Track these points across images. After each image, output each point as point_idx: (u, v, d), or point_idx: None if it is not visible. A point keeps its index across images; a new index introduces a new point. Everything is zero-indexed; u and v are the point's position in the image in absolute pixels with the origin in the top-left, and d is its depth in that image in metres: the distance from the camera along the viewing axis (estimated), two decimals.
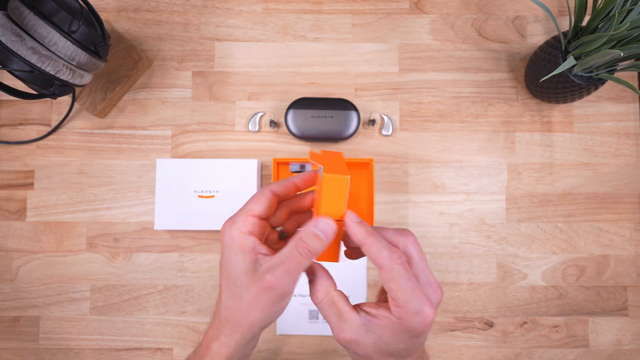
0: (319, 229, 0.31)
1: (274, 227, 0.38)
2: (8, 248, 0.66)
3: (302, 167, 0.64)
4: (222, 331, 0.34)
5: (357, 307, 0.33)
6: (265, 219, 0.35)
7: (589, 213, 0.67)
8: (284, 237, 0.39)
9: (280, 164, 0.66)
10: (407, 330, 0.31)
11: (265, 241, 0.37)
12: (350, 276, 0.66)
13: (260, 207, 0.34)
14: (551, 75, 0.57)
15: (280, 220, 0.37)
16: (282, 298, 0.32)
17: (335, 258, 0.34)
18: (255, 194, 0.34)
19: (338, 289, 0.34)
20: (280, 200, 0.36)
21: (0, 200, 0.67)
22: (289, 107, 0.65)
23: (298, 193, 0.37)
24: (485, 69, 0.69)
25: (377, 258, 0.31)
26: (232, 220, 0.34)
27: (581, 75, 0.59)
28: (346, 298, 0.33)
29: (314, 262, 0.34)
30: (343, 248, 0.37)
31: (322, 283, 0.33)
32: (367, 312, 0.32)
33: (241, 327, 0.34)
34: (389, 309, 0.31)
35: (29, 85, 0.54)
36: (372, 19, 0.69)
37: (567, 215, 0.67)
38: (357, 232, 0.32)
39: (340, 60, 0.69)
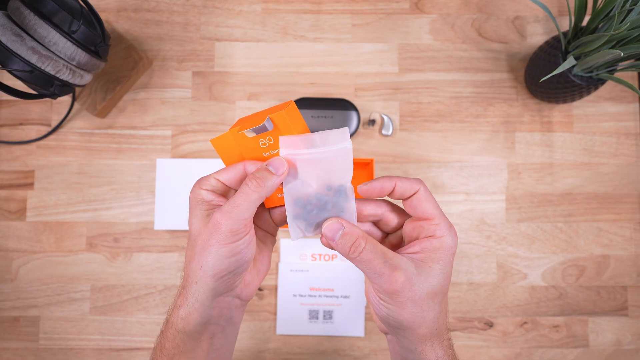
0: (271, 165, 0.33)
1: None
2: (8, 248, 0.66)
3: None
4: (184, 286, 0.34)
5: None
6: (233, 186, 0.35)
7: (589, 213, 0.67)
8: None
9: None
10: (447, 248, 0.33)
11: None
12: (350, 276, 0.66)
13: (227, 176, 0.34)
14: (551, 75, 0.57)
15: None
16: (232, 237, 0.32)
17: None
18: (230, 165, 0.35)
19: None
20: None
21: (0, 200, 0.67)
22: None
23: None
24: (485, 69, 0.69)
25: (412, 184, 0.33)
26: (200, 181, 0.34)
27: (581, 75, 0.59)
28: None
29: (341, 218, 0.33)
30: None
31: (358, 230, 0.33)
32: (410, 253, 0.33)
33: (196, 276, 0.33)
34: (424, 239, 0.33)
35: (29, 85, 0.54)
36: (372, 19, 0.69)
37: (567, 215, 0.67)
38: (380, 184, 0.33)
39: (340, 60, 0.69)
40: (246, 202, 0.32)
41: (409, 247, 0.33)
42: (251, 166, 0.34)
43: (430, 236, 0.33)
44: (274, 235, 0.39)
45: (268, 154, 0.34)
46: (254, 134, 0.33)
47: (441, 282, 0.33)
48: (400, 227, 0.37)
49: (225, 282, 0.33)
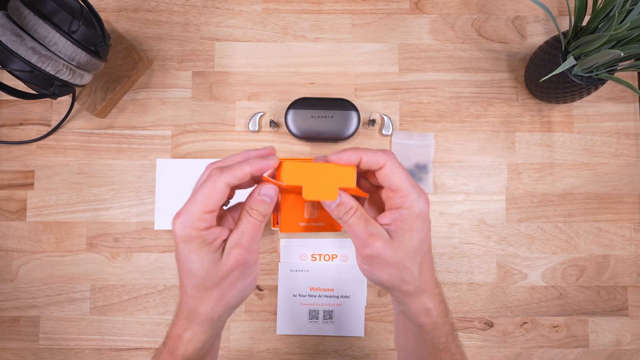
0: (262, 195, 0.34)
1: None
2: (8, 248, 0.66)
3: None
4: (194, 321, 0.35)
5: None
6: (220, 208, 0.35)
7: (589, 213, 0.67)
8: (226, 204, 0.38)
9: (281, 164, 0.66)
10: (417, 216, 0.35)
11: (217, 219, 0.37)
12: (350, 276, 0.66)
13: (213, 203, 0.32)
14: (551, 75, 0.57)
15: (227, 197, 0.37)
16: (251, 267, 0.34)
17: (339, 227, 0.37)
18: (205, 184, 0.32)
19: None
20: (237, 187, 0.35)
21: (0, 200, 0.67)
22: (289, 107, 0.65)
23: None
24: (485, 69, 0.69)
25: (378, 158, 0.34)
26: (185, 215, 0.32)
27: (581, 75, 0.59)
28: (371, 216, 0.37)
29: (340, 192, 0.35)
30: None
31: (352, 201, 0.35)
32: (383, 224, 0.36)
33: (217, 312, 0.35)
34: (393, 210, 0.35)
35: (29, 85, 0.54)
36: (372, 19, 0.69)
37: (567, 215, 0.67)
38: (348, 154, 0.34)
39: (340, 60, 0.69)
40: (258, 233, 0.34)
41: (382, 217, 0.36)
42: (231, 178, 0.33)
43: (399, 207, 0.35)
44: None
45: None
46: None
47: (415, 246, 0.35)
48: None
49: (234, 310, 0.36)
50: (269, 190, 0.34)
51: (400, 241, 0.35)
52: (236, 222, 0.34)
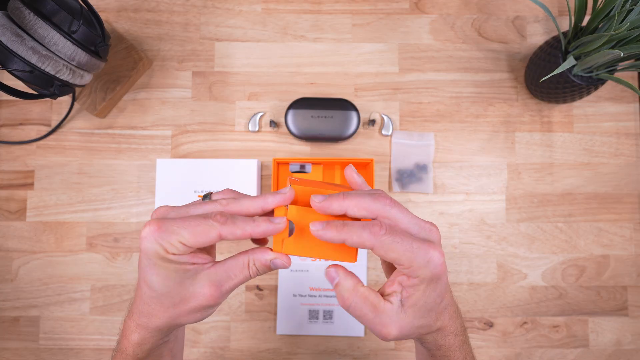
0: (273, 264, 0.32)
1: None
2: (8, 248, 0.66)
3: (302, 167, 0.64)
4: (142, 327, 0.34)
5: (382, 295, 0.33)
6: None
7: (589, 213, 0.67)
8: None
9: (280, 164, 0.66)
10: (429, 281, 0.31)
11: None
12: None
13: (197, 243, 0.29)
14: (551, 76, 0.57)
15: None
16: (216, 305, 0.32)
17: (351, 258, 0.34)
18: (200, 223, 0.29)
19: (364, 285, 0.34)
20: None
21: (0, 200, 0.67)
22: (289, 107, 0.65)
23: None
24: (485, 69, 0.69)
25: (364, 243, 0.30)
26: (160, 233, 0.29)
27: (581, 75, 0.59)
28: (374, 290, 0.33)
29: (336, 265, 0.33)
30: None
31: (348, 282, 0.32)
32: (390, 293, 0.33)
33: (164, 327, 0.33)
34: (401, 275, 0.32)
35: (29, 85, 0.54)
36: (372, 19, 0.69)
37: (567, 215, 0.67)
38: (330, 236, 0.30)
39: (340, 60, 0.69)
40: (242, 282, 0.32)
41: (389, 285, 0.33)
42: (280, 264, 0.32)
43: (405, 274, 0.32)
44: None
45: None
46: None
47: (428, 308, 0.32)
48: None
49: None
50: (279, 263, 0.32)
51: (413, 310, 0.32)
52: (229, 259, 0.32)
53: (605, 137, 0.68)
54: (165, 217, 0.31)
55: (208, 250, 0.35)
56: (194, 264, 0.31)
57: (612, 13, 0.53)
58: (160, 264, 0.30)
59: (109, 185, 0.67)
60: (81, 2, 0.56)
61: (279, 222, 0.31)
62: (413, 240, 0.30)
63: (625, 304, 0.66)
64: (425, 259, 0.30)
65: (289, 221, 0.32)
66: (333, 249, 0.33)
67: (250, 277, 0.32)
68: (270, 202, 0.32)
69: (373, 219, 0.31)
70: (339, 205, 0.31)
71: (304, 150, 0.68)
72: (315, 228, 0.30)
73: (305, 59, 0.69)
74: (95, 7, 0.67)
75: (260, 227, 0.30)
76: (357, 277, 0.33)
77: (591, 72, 0.58)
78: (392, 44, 0.69)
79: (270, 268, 0.32)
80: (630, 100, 0.68)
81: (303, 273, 0.66)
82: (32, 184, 0.67)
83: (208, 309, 0.32)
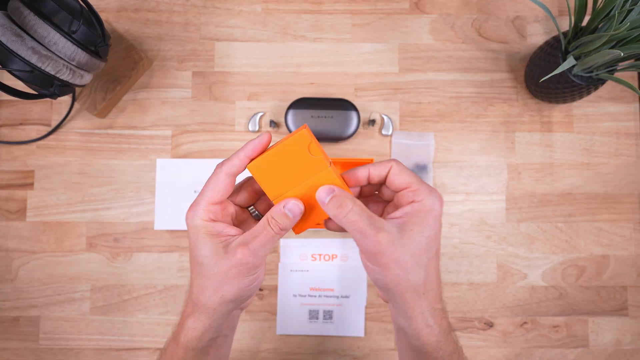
0: (287, 209, 0.34)
1: (244, 207, 0.39)
2: (8, 248, 0.66)
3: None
4: (195, 309, 0.36)
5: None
6: (226, 200, 0.37)
7: (589, 213, 0.67)
8: (259, 218, 0.39)
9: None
10: (428, 211, 0.34)
11: (237, 221, 0.38)
12: (350, 276, 0.66)
13: (217, 194, 0.35)
14: (551, 76, 0.57)
15: (246, 200, 0.38)
16: (252, 270, 0.34)
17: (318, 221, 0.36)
18: (210, 178, 0.35)
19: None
20: (236, 176, 0.36)
21: (0, 200, 0.67)
22: (289, 107, 0.65)
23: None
24: (485, 69, 0.69)
25: (384, 165, 0.35)
26: (193, 209, 0.35)
27: (581, 75, 0.59)
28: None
29: (334, 186, 0.35)
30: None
31: (345, 193, 0.34)
32: (393, 218, 0.34)
33: (213, 303, 0.35)
34: (405, 205, 0.34)
35: (29, 85, 0.54)
36: (372, 19, 0.69)
37: (567, 215, 0.67)
38: (356, 174, 0.35)
39: (340, 60, 0.69)
40: (270, 243, 0.34)
41: (393, 213, 0.35)
42: (229, 167, 0.35)
43: (411, 202, 0.34)
44: None
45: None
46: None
47: (424, 244, 0.34)
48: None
49: (240, 303, 0.36)
50: (294, 207, 0.34)
51: (409, 236, 0.33)
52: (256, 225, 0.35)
53: (605, 137, 0.68)
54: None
55: (244, 227, 0.38)
56: (229, 235, 0.35)
57: (612, 13, 0.53)
58: (202, 238, 0.34)
59: (109, 185, 0.67)
60: (81, 2, 0.56)
61: (262, 135, 0.35)
62: (420, 179, 0.35)
63: (625, 304, 0.66)
64: (429, 190, 0.34)
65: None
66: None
67: (275, 234, 0.34)
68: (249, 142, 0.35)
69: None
70: (362, 169, 0.35)
71: None
72: (321, 196, 0.34)
73: (305, 59, 0.69)
74: (95, 7, 0.67)
75: (248, 147, 0.35)
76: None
77: (591, 72, 0.58)
78: (392, 44, 0.69)
79: (288, 216, 0.34)
80: (630, 100, 0.68)
81: (303, 273, 0.66)
82: (32, 184, 0.67)
83: (246, 273, 0.34)
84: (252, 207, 0.39)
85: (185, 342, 0.36)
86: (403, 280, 0.34)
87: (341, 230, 0.37)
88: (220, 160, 0.63)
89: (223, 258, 0.34)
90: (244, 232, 0.35)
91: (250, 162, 0.35)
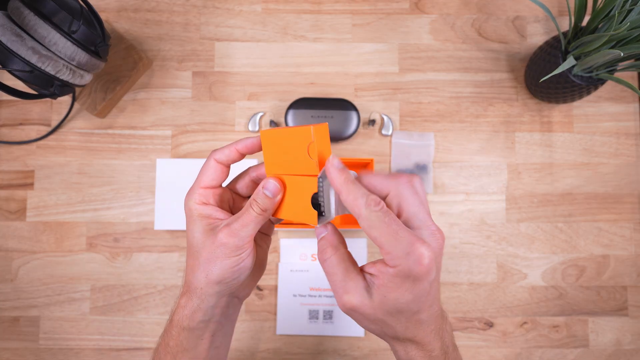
0: (266, 189, 0.35)
1: (246, 197, 0.40)
2: (8, 248, 0.66)
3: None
4: (187, 289, 0.37)
5: (361, 270, 0.32)
6: (219, 186, 0.38)
7: (589, 213, 0.67)
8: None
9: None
10: (405, 277, 0.29)
11: (237, 209, 0.39)
12: None
13: (207, 179, 0.36)
14: (551, 75, 0.57)
15: (245, 188, 0.39)
16: (235, 251, 0.34)
17: (313, 221, 0.34)
18: (204, 164, 0.37)
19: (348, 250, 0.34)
20: (229, 164, 0.38)
21: (0, 200, 0.67)
22: (289, 107, 0.65)
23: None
24: (485, 69, 0.69)
25: (354, 207, 0.30)
26: (190, 193, 0.37)
27: (581, 75, 0.59)
28: (355, 262, 0.33)
29: (328, 223, 0.34)
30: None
31: (333, 240, 0.33)
32: (368, 272, 0.31)
33: (200, 282, 0.36)
34: (382, 263, 0.30)
35: (29, 85, 0.54)
36: (372, 19, 0.69)
37: (567, 215, 0.67)
38: (335, 177, 0.31)
39: (340, 60, 0.69)
40: (252, 224, 0.34)
41: (369, 266, 0.31)
42: (220, 155, 0.37)
43: (384, 261, 0.30)
44: (269, 235, 0.41)
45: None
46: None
47: (400, 308, 0.30)
48: None
49: (227, 286, 0.36)
50: (273, 187, 0.35)
51: (380, 299, 0.30)
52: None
53: (605, 137, 0.68)
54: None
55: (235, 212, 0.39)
56: (217, 218, 0.36)
57: (612, 13, 0.53)
58: (193, 219, 0.36)
59: (109, 185, 0.67)
60: (81, 2, 0.56)
61: (254, 136, 0.36)
62: (403, 229, 0.29)
63: (625, 304, 0.66)
64: (407, 250, 0.28)
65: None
66: (303, 206, 0.34)
67: (256, 214, 0.34)
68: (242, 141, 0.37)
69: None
70: (364, 181, 0.32)
71: None
72: (334, 162, 0.31)
73: (305, 59, 0.69)
74: (95, 7, 0.67)
75: (240, 142, 0.36)
76: (343, 238, 0.34)
77: (591, 72, 0.58)
78: (392, 44, 0.69)
79: (268, 196, 0.35)
80: (630, 100, 0.68)
81: (303, 273, 0.66)
82: (32, 184, 0.67)
83: (228, 254, 0.34)
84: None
85: (178, 321, 0.37)
86: (378, 332, 0.33)
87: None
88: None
89: (209, 239, 0.35)
90: (231, 214, 0.37)
91: (241, 157, 0.37)
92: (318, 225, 0.34)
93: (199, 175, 0.37)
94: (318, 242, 0.34)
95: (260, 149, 0.37)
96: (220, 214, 0.36)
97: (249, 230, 0.34)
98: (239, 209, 0.39)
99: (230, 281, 0.36)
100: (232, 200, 0.39)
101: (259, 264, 0.40)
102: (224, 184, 0.40)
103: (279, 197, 0.35)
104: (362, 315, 0.32)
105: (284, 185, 0.35)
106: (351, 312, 0.32)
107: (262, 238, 0.41)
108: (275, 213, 0.36)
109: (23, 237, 0.66)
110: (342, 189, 0.30)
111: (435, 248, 0.29)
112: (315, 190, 0.33)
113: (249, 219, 0.34)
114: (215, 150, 0.37)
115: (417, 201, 0.30)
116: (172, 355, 0.38)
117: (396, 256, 0.28)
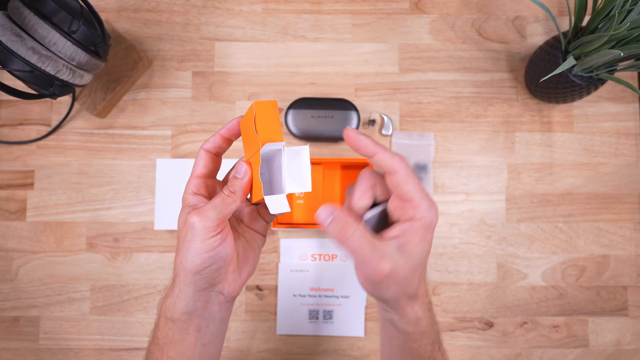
0: (234, 171, 0.36)
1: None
2: (8, 248, 0.66)
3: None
4: (173, 278, 0.38)
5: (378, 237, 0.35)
6: (212, 176, 0.39)
7: (589, 213, 0.67)
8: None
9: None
10: (427, 228, 0.34)
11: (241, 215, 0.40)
12: (350, 276, 0.66)
13: (197, 168, 0.37)
14: (551, 75, 0.57)
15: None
16: (206, 233, 0.34)
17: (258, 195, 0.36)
18: (196, 157, 0.38)
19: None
20: (219, 153, 0.38)
21: (0, 200, 0.67)
22: (289, 107, 0.65)
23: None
24: (485, 69, 0.69)
25: (393, 164, 0.33)
26: (187, 185, 0.38)
27: (581, 75, 0.59)
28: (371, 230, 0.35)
29: (333, 204, 0.35)
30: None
31: (346, 218, 0.34)
32: (391, 236, 0.34)
33: (177, 269, 0.36)
34: (405, 222, 0.34)
35: (29, 85, 0.54)
36: (372, 19, 0.69)
37: (567, 215, 0.67)
38: (365, 142, 0.34)
39: (340, 60, 0.69)
40: (221, 205, 0.35)
41: (392, 229, 0.34)
42: (207, 144, 0.38)
43: (410, 218, 0.33)
44: (263, 234, 0.41)
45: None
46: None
47: (421, 259, 0.34)
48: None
49: (204, 276, 0.36)
50: (238, 166, 0.36)
51: (409, 255, 0.33)
52: None
53: (605, 137, 0.68)
54: None
55: (237, 210, 0.40)
56: (197, 206, 0.36)
57: (612, 13, 0.53)
58: (183, 209, 0.37)
59: (109, 185, 0.67)
60: (81, 2, 0.56)
61: (234, 118, 0.37)
62: (422, 186, 0.34)
63: (625, 304, 0.66)
64: (430, 203, 0.34)
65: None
66: (258, 185, 0.35)
67: (225, 196, 0.35)
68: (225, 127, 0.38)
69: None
70: (372, 147, 0.34)
71: None
72: (351, 132, 0.35)
73: (305, 59, 0.69)
74: (95, 7, 0.67)
75: (224, 127, 0.37)
76: (354, 216, 0.35)
77: (591, 72, 0.58)
78: (392, 44, 0.69)
79: (237, 177, 0.35)
80: (630, 100, 0.68)
81: (303, 273, 0.66)
82: (32, 184, 0.67)
83: (198, 237, 0.34)
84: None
85: (163, 310, 0.38)
86: (400, 293, 0.35)
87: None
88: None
89: (184, 225, 0.35)
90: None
91: (228, 142, 0.38)
92: (322, 208, 0.34)
93: (192, 168, 0.38)
94: (329, 224, 0.34)
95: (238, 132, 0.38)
96: (199, 199, 0.37)
97: (217, 212, 0.34)
98: (246, 213, 0.41)
99: (203, 270, 0.35)
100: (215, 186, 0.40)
101: (245, 260, 0.40)
102: (220, 178, 0.40)
103: (246, 178, 0.35)
104: (395, 279, 0.34)
105: (251, 167, 0.36)
106: (388, 277, 0.33)
107: (254, 237, 0.40)
108: (251, 199, 0.37)
109: (23, 237, 0.66)
110: (376, 150, 0.34)
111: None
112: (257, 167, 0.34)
113: (218, 201, 0.35)
114: (203, 143, 0.38)
115: (417, 180, 0.34)
116: (159, 347, 0.38)
117: (424, 208, 0.33)
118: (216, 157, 0.38)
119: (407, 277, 0.34)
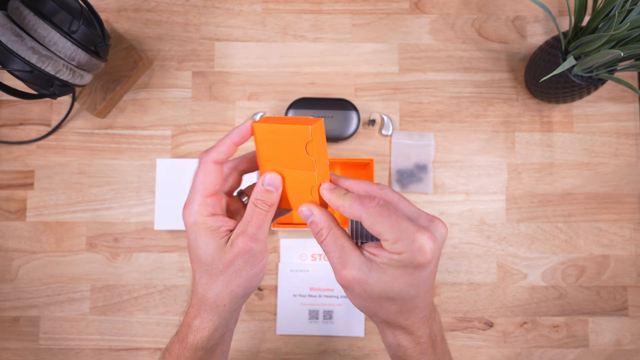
0: (267, 184, 0.34)
1: (231, 195, 0.38)
2: (8, 248, 0.66)
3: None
4: (202, 308, 0.35)
5: (360, 247, 0.33)
6: (218, 192, 0.36)
7: (589, 213, 0.67)
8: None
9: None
10: (406, 264, 0.30)
11: (230, 213, 0.37)
12: None
13: (211, 185, 0.34)
14: (551, 75, 0.57)
15: (234, 184, 0.37)
16: (258, 257, 0.33)
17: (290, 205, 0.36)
18: (198, 170, 0.34)
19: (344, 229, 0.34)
20: (223, 164, 0.36)
21: (0, 200, 0.67)
22: (289, 107, 0.65)
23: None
24: (485, 69, 0.69)
25: (354, 213, 0.31)
26: (189, 206, 0.34)
27: (581, 75, 0.59)
28: (350, 237, 0.33)
29: (308, 203, 0.34)
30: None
31: (324, 220, 0.33)
32: (368, 251, 0.32)
33: (223, 300, 0.34)
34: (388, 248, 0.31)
35: (29, 85, 0.54)
36: (372, 19, 0.69)
37: (567, 215, 0.67)
38: (330, 198, 0.32)
39: (340, 60, 0.69)
40: (265, 223, 0.33)
41: (370, 246, 0.32)
42: (216, 155, 0.34)
43: (390, 250, 0.30)
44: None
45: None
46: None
47: (396, 292, 0.31)
48: None
49: (249, 296, 0.35)
50: (274, 180, 0.34)
51: (378, 278, 0.31)
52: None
53: (605, 137, 0.68)
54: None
55: (238, 219, 0.37)
56: (228, 230, 0.34)
57: (612, 13, 0.53)
58: (202, 234, 0.33)
59: (109, 185, 0.67)
60: (81, 2, 0.56)
61: (245, 122, 0.34)
62: (403, 219, 0.30)
63: (625, 304, 0.66)
64: (411, 238, 0.29)
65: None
66: (303, 198, 0.35)
67: (265, 212, 0.33)
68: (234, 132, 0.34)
69: None
70: (329, 197, 0.33)
71: None
72: (325, 187, 0.33)
73: (305, 59, 0.69)
74: (95, 7, 0.67)
75: (234, 133, 0.34)
76: (335, 218, 0.34)
77: (591, 72, 0.58)
78: (392, 44, 0.69)
79: (271, 191, 0.34)
80: (630, 100, 0.68)
81: (303, 273, 0.66)
82: (32, 184, 0.67)
83: (252, 261, 0.33)
84: (244, 196, 0.38)
85: (195, 343, 0.35)
86: (370, 311, 0.33)
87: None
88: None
89: (226, 252, 0.33)
90: (234, 220, 0.35)
91: (235, 147, 0.35)
92: (302, 207, 0.34)
93: (196, 183, 0.34)
94: (309, 225, 0.34)
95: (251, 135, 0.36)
96: (229, 223, 0.34)
97: (264, 232, 0.33)
98: (235, 212, 0.37)
99: (252, 290, 0.35)
100: (226, 203, 0.37)
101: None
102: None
103: (280, 190, 0.34)
104: (359, 290, 0.32)
105: (283, 178, 0.35)
106: (349, 285, 0.32)
107: None
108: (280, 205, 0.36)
109: (23, 237, 0.66)
110: (338, 204, 0.32)
111: (438, 238, 0.31)
112: (314, 184, 0.33)
113: (261, 219, 0.33)
114: (206, 152, 0.34)
115: (405, 201, 0.32)
116: None
117: (400, 246, 0.29)
118: (222, 169, 0.35)
119: (374, 299, 0.32)
